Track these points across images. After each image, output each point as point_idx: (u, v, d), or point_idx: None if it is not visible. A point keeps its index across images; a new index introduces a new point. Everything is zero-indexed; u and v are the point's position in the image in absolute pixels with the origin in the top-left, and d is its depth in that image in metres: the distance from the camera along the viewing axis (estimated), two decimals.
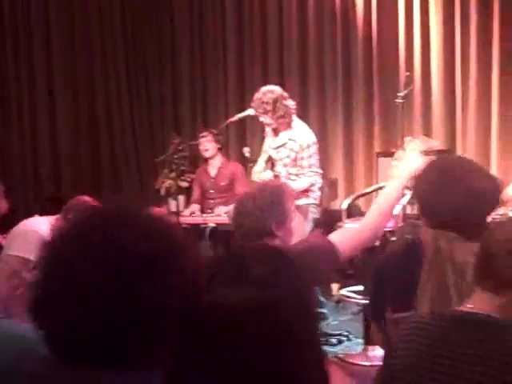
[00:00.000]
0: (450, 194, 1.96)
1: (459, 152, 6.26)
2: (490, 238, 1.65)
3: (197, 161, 6.97)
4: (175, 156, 6.80)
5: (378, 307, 2.16)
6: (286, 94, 5.10)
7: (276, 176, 5.12)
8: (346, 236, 2.42)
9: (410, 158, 2.42)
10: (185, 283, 1.10)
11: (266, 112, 5.01)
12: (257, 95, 5.10)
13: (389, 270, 2.15)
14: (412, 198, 2.16)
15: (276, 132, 5.19)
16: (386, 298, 2.10)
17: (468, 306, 1.68)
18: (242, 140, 7.17)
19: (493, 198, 2.01)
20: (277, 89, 5.12)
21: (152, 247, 1.08)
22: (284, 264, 1.28)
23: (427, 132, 6.44)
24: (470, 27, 6.24)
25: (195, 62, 7.54)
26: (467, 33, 6.25)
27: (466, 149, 6.30)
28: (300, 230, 4.88)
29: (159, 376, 1.07)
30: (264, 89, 5.15)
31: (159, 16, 7.64)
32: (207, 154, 6.32)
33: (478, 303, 1.66)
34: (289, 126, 5.11)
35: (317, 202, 5.29)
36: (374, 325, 2.27)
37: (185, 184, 6.96)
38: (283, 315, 1.13)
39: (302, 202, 5.12)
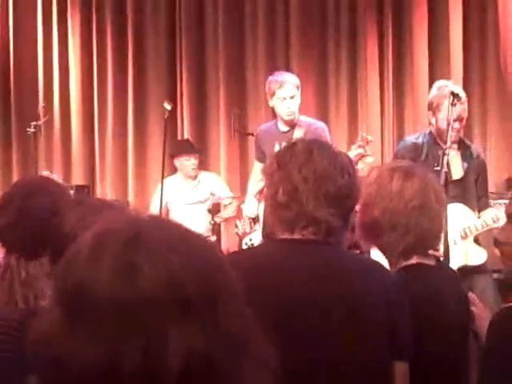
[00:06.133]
0: None
1: (98, 180, 6.44)
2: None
3: None
4: None
5: None
6: None
7: None
8: None
9: None
10: None
11: None
12: None
13: None
14: None
15: None
16: None
17: None
18: None
19: None
20: None
21: None
22: None
23: (67, 162, 6.48)
24: (107, 61, 6.48)
25: None
26: (104, 66, 6.48)
27: (105, 177, 6.47)
28: None
29: None
30: None
31: None
32: None
33: None
34: None
35: None
36: None
37: None
38: None
39: None
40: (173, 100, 5.67)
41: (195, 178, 5.45)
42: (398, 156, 3.98)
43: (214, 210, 5.50)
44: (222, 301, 0.75)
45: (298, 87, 4.38)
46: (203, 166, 5.89)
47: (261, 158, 4.60)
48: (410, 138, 4.14)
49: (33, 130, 5.30)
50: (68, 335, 0.70)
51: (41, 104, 5.91)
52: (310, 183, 1.69)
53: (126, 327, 0.69)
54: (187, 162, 5.40)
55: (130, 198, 6.30)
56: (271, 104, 4.47)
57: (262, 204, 4.46)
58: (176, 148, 5.49)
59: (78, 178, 6.41)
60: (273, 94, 4.38)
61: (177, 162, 5.45)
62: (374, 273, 1.74)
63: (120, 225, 0.77)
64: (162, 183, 4.65)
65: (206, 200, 5.27)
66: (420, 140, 3.98)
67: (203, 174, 5.57)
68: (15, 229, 1.93)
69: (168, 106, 4.77)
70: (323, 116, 5.78)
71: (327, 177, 1.69)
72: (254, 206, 4.59)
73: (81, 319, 0.70)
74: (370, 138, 4.08)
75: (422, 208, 1.90)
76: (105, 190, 6.38)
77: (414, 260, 1.93)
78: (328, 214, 1.69)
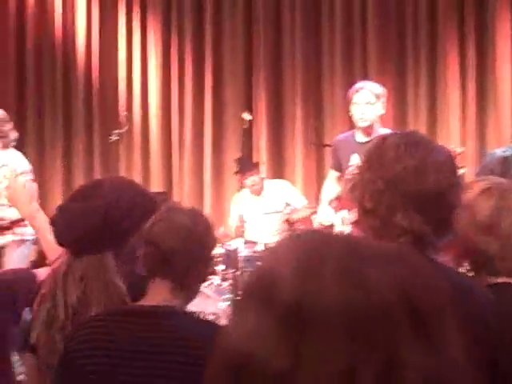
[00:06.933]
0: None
1: (175, 188, 6.57)
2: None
3: None
4: None
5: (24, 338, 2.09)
6: (7, 119, 4.96)
7: None
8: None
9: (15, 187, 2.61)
10: None
11: None
12: None
13: None
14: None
15: None
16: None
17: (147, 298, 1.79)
18: None
19: None
20: (1, 111, 4.99)
21: None
22: None
23: (146, 169, 6.65)
24: (186, 72, 6.62)
25: None
26: (183, 77, 6.63)
27: (182, 185, 6.61)
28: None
29: None
30: None
31: None
32: None
33: (155, 294, 1.78)
34: (3, 148, 4.94)
35: (34, 237, 5.14)
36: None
37: None
38: None
39: (19, 232, 4.94)
40: (250, 111, 5.73)
41: (260, 191, 5.32)
42: (487, 169, 3.82)
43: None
44: (447, 317, 0.69)
45: (377, 96, 4.28)
46: (280, 176, 5.91)
47: (336, 166, 4.56)
48: (498, 151, 3.99)
49: (115, 137, 5.43)
50: (295, 352, 0.64)
51: (123, 113, 6.04)
52: (397, 186, 1.54)
53: (362, 340, 0.64)
54: (248, 181, 5.26)
55: (207, 206, 6.40)
56: (350, 112, 4.41)
57: (340, 213, 4.45)
58: (239, 168, 5.28)
59: (156, 185, 6.56)
60: (350, 100, 4.33)
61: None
62: (471, 294, 1.59)
63: (322, 240, 0.71)
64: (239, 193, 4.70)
65: (282, 210, 5.26)
66: (508, 153, 3.85)
67: (269, 184, 5.42)
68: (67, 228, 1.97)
69: (248, 117, 4.85)
70: None
71: (416, 177, 1.54)
72: (330, 213, 4.54)
73: (305, 334, 0.64)
74: (458, 149, 3.96)
75: (491, 227, 1.80)
76: (182, 198, 6.50)
77: (500, 279, 1.83)
78: (417, 222, 1.54)
